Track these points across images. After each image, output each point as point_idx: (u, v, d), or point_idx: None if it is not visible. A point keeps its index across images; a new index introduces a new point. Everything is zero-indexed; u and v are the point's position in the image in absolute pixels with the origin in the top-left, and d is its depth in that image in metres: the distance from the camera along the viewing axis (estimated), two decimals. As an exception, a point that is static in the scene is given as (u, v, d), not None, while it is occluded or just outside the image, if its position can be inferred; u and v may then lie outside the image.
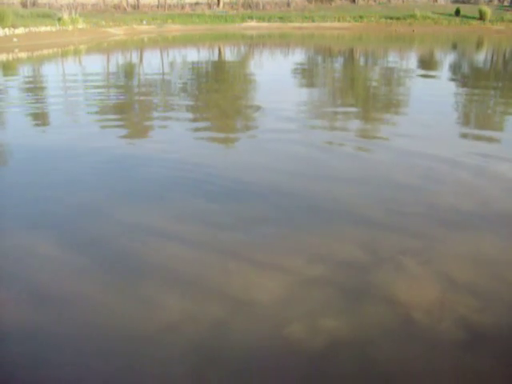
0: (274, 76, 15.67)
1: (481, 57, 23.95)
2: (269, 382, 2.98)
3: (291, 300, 3.67)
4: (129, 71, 17.52)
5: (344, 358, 3.13)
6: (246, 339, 3.28)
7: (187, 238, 4.60)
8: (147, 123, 9.40)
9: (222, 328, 3.37)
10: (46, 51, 23.24)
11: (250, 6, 47.29)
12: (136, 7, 45.55)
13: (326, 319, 3.44)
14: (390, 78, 16.20)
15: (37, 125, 9.33)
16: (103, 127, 8.85)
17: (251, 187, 5.84)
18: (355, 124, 9.40)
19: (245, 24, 39.17)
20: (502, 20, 40.14)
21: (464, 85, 14.95)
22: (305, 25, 39.09)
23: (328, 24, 39.55)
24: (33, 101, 11.41)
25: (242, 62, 21.12)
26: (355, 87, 14.37)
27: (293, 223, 4.93)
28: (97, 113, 10.18)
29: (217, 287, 3.84)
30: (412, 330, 3.36)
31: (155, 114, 10.13)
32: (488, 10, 40.60)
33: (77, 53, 23.70)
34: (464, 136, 8.55)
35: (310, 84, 14.67)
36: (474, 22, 39.98)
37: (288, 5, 48.42)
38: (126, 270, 4.11)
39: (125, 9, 43.97)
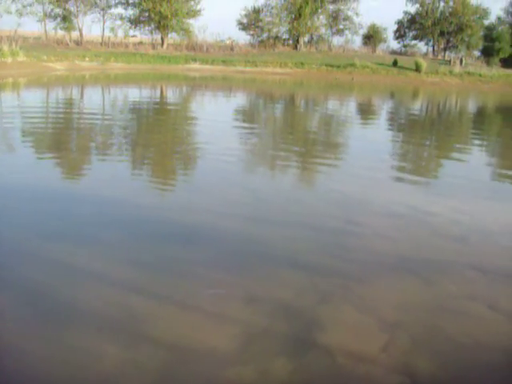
0: (216, 119, 15.70)
1: (416, 106, 24.90)
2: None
3: (229, 346, 3.58)
4: (68, 107, 17.23)
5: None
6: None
7: (119, 281, 4.44)
8: (83, 161, 9.19)
9: (165, 375, 3.26)
10: (-18, 83, 22.67)
11: (193, 48, 47.83)
12: (79, 43, 45.32)
13: (264, 365, 3.38)
14: (329, 124, 16.58)
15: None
16: (37, 163, 8.62)
17: (187, 229, 5.75)
18: (293, 168, 9.50)
19: (188, 66, 39.50)
20: (437, 72, 42.06)
21: (399, 133, 15.46)
22: (247, 69, 39.75)
23: (270, 69, 40.36)
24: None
25: (184, 103, 21.18)
26: (295, 133, 14.59)
27: (230, 266, 4.87)
28: (32, 148, 9.91)
29: (152, 333, 3.69)
30: (349, 374, 3.34)
31: (92, 152, 9.93)
32: (423, 63, 42.58)
33: (15, 86, 23.21)
34: (397, 181, 8.77)
35: (251, 128, 14.79)
36: (411, 74, 41.72)
37: (231, 49, 49.25)
38: (57, 316, 3.90)
39: (67, 44, 43.64)
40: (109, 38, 47.85)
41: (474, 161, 11.19)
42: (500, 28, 53.70)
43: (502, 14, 56.48)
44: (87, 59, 36.10)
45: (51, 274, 4.52)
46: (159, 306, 4.07)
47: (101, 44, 46.33)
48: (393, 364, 3.47)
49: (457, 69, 43.20)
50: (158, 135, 12.25)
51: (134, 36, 50.65)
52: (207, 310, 4.05)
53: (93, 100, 19.89)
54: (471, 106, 28.37)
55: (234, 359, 3.44)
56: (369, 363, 3.46)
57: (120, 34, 49.35)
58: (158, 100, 21.40)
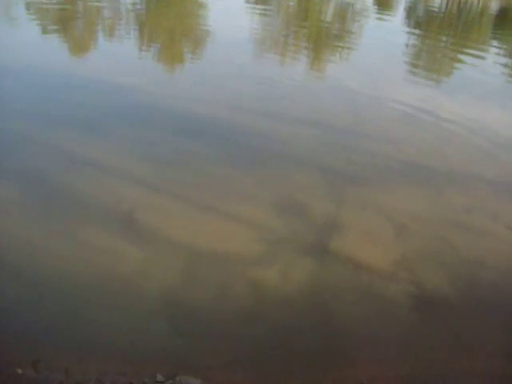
0: (227, 2, 15.01)
1: (436, 1, 23.75)
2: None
3: (244, 247, 3.58)
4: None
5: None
6: (212, 287, 3.20)
7: (126, 171, 4.28)
8: (90, 39, 8.83)
9: (191, 277, 3.26)
10: None
11: None
12: None
13: (284, 266, 3.43)
14: (345, 13, 15.90)
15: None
16: (42, 39, 8.27)
17: (196, 120, 5.53)
18: (304, 57, 9.14)
19: None
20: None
21: (415, 28, 14.82)
22: None
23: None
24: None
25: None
26: (308, 20, 13.96)
27: (240, 161, 4.77)
28: (37, 21, 9.48)
29: (166, 231, 3.62)
30: (359, 279, 3.42)
31: (99, 31, 9.51)
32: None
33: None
34: (409, 78, 8.55)
35: (264, 11, 14.12)
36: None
37: None
38: (69, 211, 3.76)
39: None
40: None
41: (489, 59, 10.74)
42: None
43: None
44: None
45: (56, 163, 4.36)
46: (172, 204, 3.96)
47: None
48: (401, 273, 3.50)
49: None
50: (167, 18, 11.64)
51: None
52: (220, 208, 3.96)
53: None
54: (494, 4, 27.08)
55: (251, 260, 3.45)
56: (378, 271, 3.50)
57: None
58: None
